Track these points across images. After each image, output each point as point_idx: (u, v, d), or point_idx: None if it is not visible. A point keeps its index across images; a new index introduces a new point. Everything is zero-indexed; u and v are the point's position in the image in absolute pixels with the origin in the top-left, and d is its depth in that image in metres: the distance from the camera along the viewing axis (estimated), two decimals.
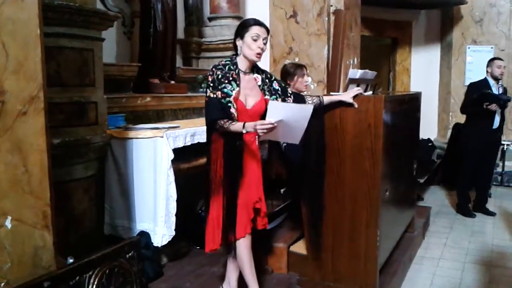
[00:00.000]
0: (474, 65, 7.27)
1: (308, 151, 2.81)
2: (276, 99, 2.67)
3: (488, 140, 5.20)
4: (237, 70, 2.58)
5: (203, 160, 3.79)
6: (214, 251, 2.65)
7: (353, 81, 3.17)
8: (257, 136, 2.59)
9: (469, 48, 7.30)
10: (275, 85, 2.72)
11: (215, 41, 5.19)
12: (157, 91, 4.21)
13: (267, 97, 2.66)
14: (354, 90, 2.84)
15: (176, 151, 3.28)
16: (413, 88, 7.63)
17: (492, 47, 7.16)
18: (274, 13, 4.65)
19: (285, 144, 2.65)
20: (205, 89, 2.60)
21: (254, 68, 2.68)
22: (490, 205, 5.75)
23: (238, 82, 2.56)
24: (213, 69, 2.57)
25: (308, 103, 2.75)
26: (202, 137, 3.65)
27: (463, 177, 5.39)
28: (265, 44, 2.58)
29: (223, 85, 2.52)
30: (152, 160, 3.25)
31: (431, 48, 7.81)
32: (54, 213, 2.00)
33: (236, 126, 2.47)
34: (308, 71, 3.77)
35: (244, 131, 2.45)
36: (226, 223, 2.57)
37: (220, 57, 5.17)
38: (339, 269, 2.99)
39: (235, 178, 2.58)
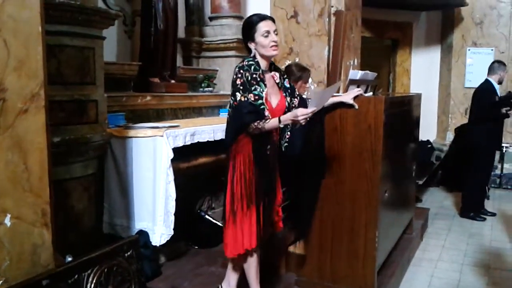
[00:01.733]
0: (474, 67, 7.28)
1: (308, 152, 2.80)
2: (286, 97, 2.65)
3: (497, 141, 5.28)
4: (260, 70, 2.53)
5: (202, 160, 3.82)
6: (237, 256, 2.64)
7: (354, 82, 3.17)
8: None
9: (469, 50, 7.30)
10: (286, 83, 2.71)
11: (215, 41, 5.19)
12: (158, 90, 4.21)
13: (284, 93, 2.65)
14: (355, 91, 2.85)
15: (175, 150, 3.28)
16: (413, 90, 7.63)
17: (492, 49, 7.16)
18: (275, 13, 4.65)
19: (286, 144, 2.64)
20: (232, 93, 2.51)
21: (271, 65, 2.66)
22: (489, 207, 5.76)
23: (265, 83, 2.53)
24: (241, 71, 2.49)
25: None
26: (202, 137, 3.66)
27: (475, 178, 5.35)
28: (276, 35, 2.55)
29: (254, 86, 2.46)
30: (152, 159, 3.25)
31: (432, 50, 7.81)
32: (53, 211, 2.00)
33: (272, 123, 2.45)
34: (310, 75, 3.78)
35: (281, 125, 2.46)
36: (260, 226, 2.55)
37: (220, 57, 5.20)
38: (337, 269, 3.00)
39: (266, 182, 2.57)
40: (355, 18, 4.86)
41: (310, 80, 3.73)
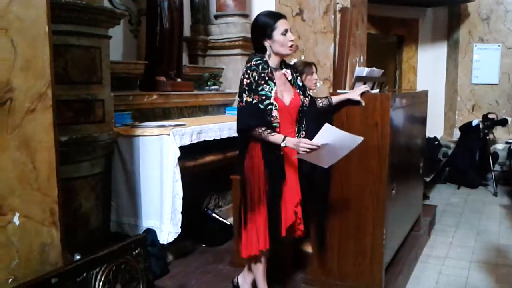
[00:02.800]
0: (481, 63, 7.24)
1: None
2: (299, 95, 2.63)
3: None
4: (269, 69, 2.51)
5: (209, 158, 3.83)
6: (251, 257, 2.64)
7: (360, 79, 3.16)
8: None
9: (476, 46, 7.27)
10: (299, 82, 2.70)
11: (221, 39, 5.19)
12: (164, 89, 4.21)
13: (298, 90, 2.63)
14: (361, 87, 2.84)
15: (182, 149, 3.29)
16: (420, 86, 7.60)
17: (499, 45, 7.13)
18: (280, 11, 4.64)
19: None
20: (239, 94, 2.50)
21: (281, 63, 2.65)
22: (496, 204, 5.74)
23: (274, 81, 2.51)
24: (248, 71, 2.48)
25: (318, 105, 2.74)
26: (208, 135, 3.66)
27: None
28: (292, 33, 2.55)
29: (261, 87, 2.45)
30: (159, 158, 3.26)
31: (438, 46, 7.77)
32: (61, 210, 2.01)
33: (276, 138, 2.43)
34: (316, 70, 3.77)
35: (283, 145, 2.42)
36: (272, 228, 2.53)
37: (226, 55, 5.20)
38: (344, 267, 2.99)
39: (279, 184, 2.54)
40: (360, 14, 4.85)
41: (315, 74, 3.70)
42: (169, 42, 4.29)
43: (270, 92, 2.46)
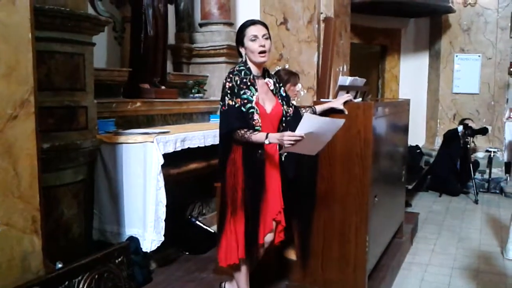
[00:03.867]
0: (462, 73, 7.38)
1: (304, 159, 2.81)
2: (283, 105, 2.64)
3: None
4: (251, 75, 2.53)
5: (193, 166, 3.82)
6: (231, 265, 2.63)
7: (343, 88, 3.20)
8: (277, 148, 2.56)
9: (457, 56, 7.40)
10: (283, 92, 2.71)
11: (206, 47, 5.20)
12: (148, 96, 4.20)
13: (280, 101, 2.64)
14: (344, 96, 2.87)
15: (166, 156, 3.28)
16: (402, 95, 7.71)
17: (479, 56, 7.27)
18: (265, 20, 4.66)
19: (285, 154, 2.63)
20: (221, 98, 2.52)
21: (265, 72, 2.67)
22: (477, 211, 5.82)
23: (256, 87, 2.53)
24: (230, 75, 2.51)
25: (303, 114, 2.75)
26: (192, 143, 3.66)
27: None
28: (267, 39, 2.54)
29: (243, 91, 2.47)
30: (142, 165, 3.25)
31: (420, 56, 7.90)
32: (43, 217, 1.99)
33: (258, 137, 2.42)
34: (299, 79, 3.80)
35: (266, 142, 2.41)
36: (249, 236, 2.52)
37: (211, 63, 5.21)
38: (328, 274, 3.01)
39: (257, 190, 2.53)
40: (344, 24, 4.91)
41: (299, 85, 3.74)
42: (154, 50, 4.28)
43: (252, 96, 2.48)
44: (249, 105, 2.47)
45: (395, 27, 7.81)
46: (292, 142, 2.32)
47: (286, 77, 3.65)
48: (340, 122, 2.44)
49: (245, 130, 2.43)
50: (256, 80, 2.56)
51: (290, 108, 2.69)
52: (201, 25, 5.34)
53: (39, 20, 2.50)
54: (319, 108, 2.83)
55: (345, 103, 2.82)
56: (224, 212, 2.58)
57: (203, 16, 5.32)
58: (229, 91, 2.48)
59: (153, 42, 4.26)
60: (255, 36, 2.51)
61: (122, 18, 4.52)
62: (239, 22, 5.41)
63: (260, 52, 2.52)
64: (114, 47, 4.49)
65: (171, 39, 5.03)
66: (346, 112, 2.82)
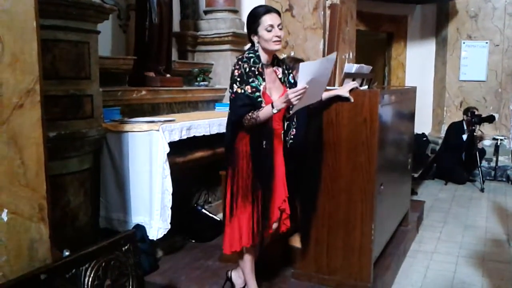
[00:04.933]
0: (469, 60, 7.31)
1: (307, 144, 2.81)
2: None
3: None
4: (260, 64, 2.50)
5: (199, 154, 3.82)
6: (237, 253, 2.66)
7: (349, 75, 3.18)
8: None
9: (464, 43, 7.33)
10: (291, 79, 2.69)
11: (210, 35, 5.17)
12: (153, 84, 4.19)
13: (287, 89, 2.61)
14: (350, 84, 2.85)
15: (171, 144, 3.28)
16: (408, 83, 7.66)
17: (487, 42, 7.19)
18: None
19: (291, 141, 2.62)
20: (230, 85, 2.50)
21: (274, 60, 2.63)
22: (483, 199, 5.81)
23: (264, 76, 2.50)
24: (239, 62, 2.47)
25: None
26: (198, 131, 3.66)
27: None
28: (281, 29, 2.50)
29: (251, 79, 2.44)
30: (148, 154, 3.25)
31: (426, 43, 7.83)
32: (50, 206, 2.00)
33: (265, 111, 2.40)
34: None
35: (274, 111, 2.38)
36: (257, 224, 2.54)
37: (216, 51, 5.19)
38: (333, 262, 3.01)
39: (266, 179, 2.54)
40: (350, 11, 4.87)
41: None
42: (158, 37, 4.26)
43: (259, 86, 2.46)
44: (257, 93, 2.45)
45: (402, 13, 7.74)
46: (299, 97, 2.30)
47: (291, 64, 3.61)
48: (332, 56, 2.42)
49: (252, 111, 2.42)
50: (265, 69, 2.53)
51: None
52: (206, 12, 5.30)
53: (44, 8, 2.48)
54: (325, 95, 2.81)
55: (351, 90, 2.80)
56: (230, 199, 2.58)
57: (207, 3, 5.28)
58: (238, 79, 2.45)
59: (158, 29, 4.24)
60: (271, 26, 2.45)
61: (127, 6, 4.49)
62: (244, 9, 5.40)
63: (276, 42, 2.48)
64: (119, 35, 4.47)
65: (176, 27, 5.01)
66: (352, 100, 2.81)
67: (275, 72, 2.63)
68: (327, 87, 2.86)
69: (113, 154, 3.34)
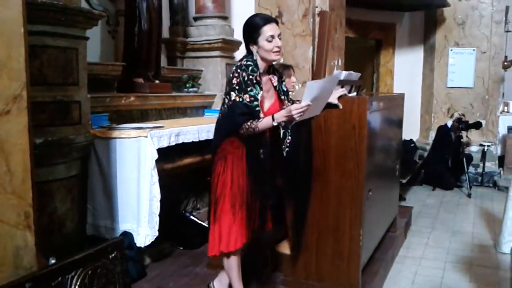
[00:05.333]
0: (457, 67, 7.39)
1: (300, 154, 2.83)
2: (283, 101, 2.65)
3: None
4: (258, 72, 2.49)
5: (187, 160, 3.81)
6: (223, 259, 2.68)
7: (338, 82, 3.18)
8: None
9: (451, 50, 7.40)
10: (284, 87, 2.71)
11: (200, 41, 5.18)
12: (142, 90, 4.18)
13: (282, 97, 2.64)
14: (339, 91, 2.87)
15: (160, 151, 3.27)
16: (396, 90, 7.72)
17: (474, 50, 7.28)
18: None
19: (288, 149, 2.63)
20: (227, 92, 2.49)
21: (270, 68, 2.64)
22: (471, 205, 5.85)
23: (261, 85, 2.49)
24: (238, 70, 2.45)
25: None
26: (186, 137, 3.65)
27: None
28: (280, 39, 2.50)
29: (250, 87, 2.43)
30: (136, 160, 3.24)
31: (415, 50, 7.90)
32: (36, 213, 1.98)
33: (265, 122, 2.41)
34: (294, 72, 3.80)
35: (275, 123, 2.40)
36: (248, 229, 2.58)
37: (205, 57, 5.19)
38: (322, 268, 3.02)
39: (258, 186, 2.57)
40: (339, 18, 4.90)
41: (293, 76, 3.74)
42: (148, 44, 4.26)
43: (257, 95, 2.46)
44: (255, 102, 2.45)
45: (390, 21, 7.81)
46: (301, 114, 2.33)
47: (280, 70, 3.65)
48: (337, 75, 2.55)
49: (251, 121, 2.42)
50: (262, 77, 2.54)
51: (289, 103, 2.69)
52: (195, 18, 5.31)
53: (32, 14, 2.46)
54: None
55: (339, 97, 2.82)
56: (214, 204, 2.60)
57: (197, 10, 5.28)
58: (237, 87, 2.43)
59: (147, 36, 4.24)
60: (272, 37, 2.46)
61: (116, 12, 4.48)
62: (234, 16, 5.42)
63: (276, 52, 2.49)
64: (108, 41, 4.46)
65: (165, 33, 5.00)
66: (341, 107, 2.82)
67: (271, 80, 2.64)
68: None
69: (101, 160, 3.32)
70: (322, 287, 3.01)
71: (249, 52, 2.55)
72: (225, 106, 2.51)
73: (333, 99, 2.81)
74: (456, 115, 6.74)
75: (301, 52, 4.63)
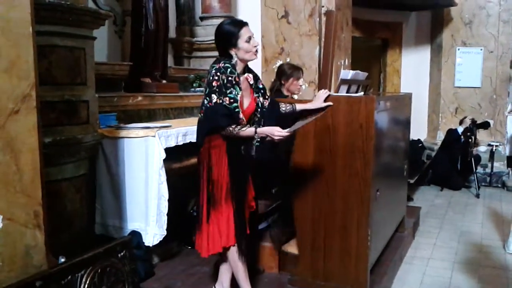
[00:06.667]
0: (464, 67, 7.35)
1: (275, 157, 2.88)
2: (258, 97, 2.72)
3: None
4: (236, 73, 2.57)
5: (195, 160, 3.80)
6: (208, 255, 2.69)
7: (345, 81, 3.18)
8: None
9: (458, 49, 7.36)
10: (259, 84, 2.78)
11: (206, 41, 5.18)
12: (149, 90, 4.19)
13: (255, 95, 2.72)
14: (322, 95, 2.86)
15: (167, 150, 3.27)
16: (404, 89, 7.68)
17: (481, 49, 7.24)
18: (266, 13, 4.66)
19: (257, 144, 2.65)
20: (208, 94, 2.54)
21: (245, 68, 2.70)
22: (479, 205, 5.82)
23: (240, 86, 2.57)
24: (218, 73, 2.52)
25: (282, 109, 2.83)
26: (194, 137, 3.63)
27: None
28: (254, 38, 2.63)
29: (229, 89, 2.51)
30: (144, 160, 3.24)
31: (421, 50, 7.87)
32: (45, 212, 1.99)
33: (248, 132, 2.52)
34: (303, 74, 3.80)
35: (256, 137, 2.54)
36: (239, 227, 2.60)
37: (212, 57, 5.17)
38: (330, 268, 3.01)
39: (243, 183, 2.65)
40: (345, 18, 4.88)
41: (301, 79, 3.74)
42: (154, 43, 4.27)
43: (237, 96, 2.53)
44: (235, 104, 2.52)
45: (397, 20, 7.78)
46: (282, 139, 2.49)
47: (289, 71, 3.66)
48: (316, 117, 2.71)
49: (233, 126, 2.51)
50: (240, 78, 2.61)
51: (266, 101, 2.76)
52: (201, 18, 5.32)
53: (40, 14, 2.48)
54: (299, 106, 2.88)
55: (326, 98, 2.85)
56: (207, 203, 2.62)
57: (203, 10, 5.30)
58: (217, 90, 2.51)
59: (154, 35, 4.25)
60: (250, 37, 2.58)
61: (123, 12, 4.50)
62: (240, 15, 5.42)
63: (256, 51, 2.61)
64: (115, 41, 4.48)
65: (172, 33, 5.02)
66: (331, 104, 2.84)
67: (247, 79, 2.69)
68: (301, 104, 2.91)
69: (109, 160, 3.33)
70: (330, 286, 3.00)
71: (225, 55, 2.62)
72: (206, 106, 2.57)
73: (319, 104, 2.83)
74: (467, 121, 6.69)
75: (308, 52, 4.61)
